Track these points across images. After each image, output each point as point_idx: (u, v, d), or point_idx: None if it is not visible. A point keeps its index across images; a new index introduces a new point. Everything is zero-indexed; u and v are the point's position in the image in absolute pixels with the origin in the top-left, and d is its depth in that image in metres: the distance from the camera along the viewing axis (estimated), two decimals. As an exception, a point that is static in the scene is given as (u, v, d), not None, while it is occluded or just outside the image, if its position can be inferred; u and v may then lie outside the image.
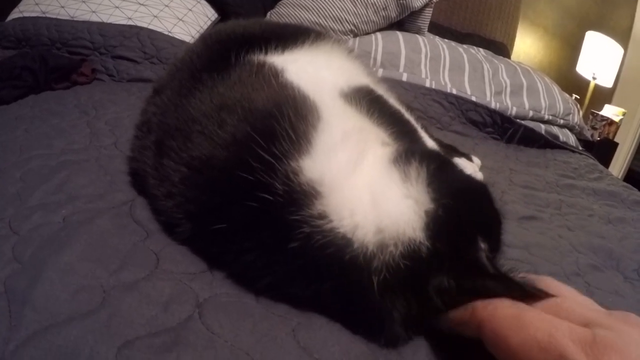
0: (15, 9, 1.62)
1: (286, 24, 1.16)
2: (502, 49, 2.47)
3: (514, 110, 1.66)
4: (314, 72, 0.60)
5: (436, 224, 0.42)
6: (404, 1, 1.81)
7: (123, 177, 0.64)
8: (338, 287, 0.41)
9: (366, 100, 0.56)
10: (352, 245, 0.41)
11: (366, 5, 1.80)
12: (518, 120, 1.59)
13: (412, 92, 1.49)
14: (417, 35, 1.84)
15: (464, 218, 0.43)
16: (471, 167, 0.99)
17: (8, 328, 0.36)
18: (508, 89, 1.72)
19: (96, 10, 1.56)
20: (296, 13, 1.85)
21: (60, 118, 0.90)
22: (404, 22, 1.95)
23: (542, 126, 1.71)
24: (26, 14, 1.56)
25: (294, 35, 0.67)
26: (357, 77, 0.68)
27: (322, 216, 0.41)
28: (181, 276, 0.45)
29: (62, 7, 1.56)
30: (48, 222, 0.51)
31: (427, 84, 1.59)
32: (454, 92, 1.58)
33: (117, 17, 1.54)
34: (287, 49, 0.64)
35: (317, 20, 1.81)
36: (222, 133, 0.46)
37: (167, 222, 0.51)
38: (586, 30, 2.98)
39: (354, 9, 1.80)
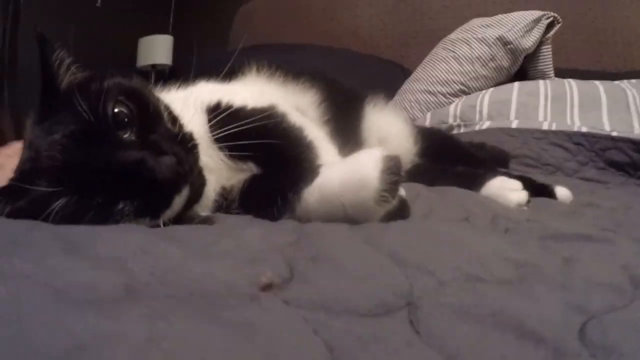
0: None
1: None
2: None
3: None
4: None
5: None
6: (512, 45, 1.61)
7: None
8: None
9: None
10: None
11: (471, 61, 1.67)
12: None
13: (520, 138, 1.25)
14: (538, 80, 1.58)
15: None
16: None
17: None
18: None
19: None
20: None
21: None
22: (526, 71, 1.72)
23: None
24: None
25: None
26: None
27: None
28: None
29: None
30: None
31: (545, 127, 1.31)
32: (583, 130, 1.25)
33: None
34: None
35: (426, 88, 1.76)
36: None
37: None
38: None
39: (460, 67, 1.70)
